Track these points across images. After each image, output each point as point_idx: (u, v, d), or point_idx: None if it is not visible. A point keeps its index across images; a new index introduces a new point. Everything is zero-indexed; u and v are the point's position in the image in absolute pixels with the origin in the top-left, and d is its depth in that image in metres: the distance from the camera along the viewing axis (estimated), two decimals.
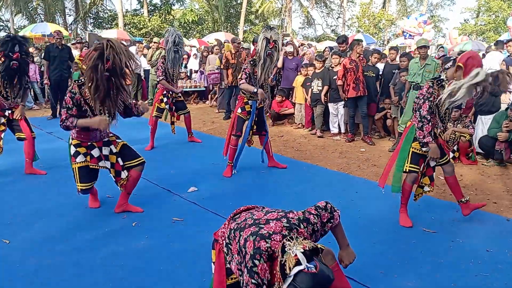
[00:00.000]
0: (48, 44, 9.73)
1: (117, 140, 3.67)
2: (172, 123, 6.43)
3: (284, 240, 1.87)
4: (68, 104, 3.32)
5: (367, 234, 3.46)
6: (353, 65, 6.66)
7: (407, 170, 3.60)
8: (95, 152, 3.57)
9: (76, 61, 11.54)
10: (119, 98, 3.35)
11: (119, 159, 3.61)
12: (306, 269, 1.72)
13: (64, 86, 8.72)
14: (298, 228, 2.00)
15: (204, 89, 11.64)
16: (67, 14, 26.91)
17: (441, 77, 3.42)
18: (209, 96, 11.29)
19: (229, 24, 27.44)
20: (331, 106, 7.29)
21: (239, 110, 4.85)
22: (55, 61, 8.52)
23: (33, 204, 4.04)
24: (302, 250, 1.78)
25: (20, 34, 18.62)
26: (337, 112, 7.26)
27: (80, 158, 3.53)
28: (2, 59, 4.42)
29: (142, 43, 11.25)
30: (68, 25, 26.04)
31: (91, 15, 25.91)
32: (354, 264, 2.45)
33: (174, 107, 6.29)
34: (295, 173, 5.10)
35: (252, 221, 2.04)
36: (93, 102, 3.29)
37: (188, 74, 11.62)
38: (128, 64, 3.17)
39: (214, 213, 3.77)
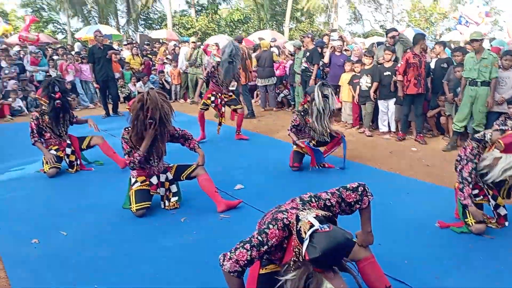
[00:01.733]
0: (90, 46, 10.05)
1: (170, 166, 3.94)
2: (220, 123, 6.58)
3: (297, 211, 2.06)
4: (126, 149, 3.62)
5: (420, 237, 3.32)
6: (416, 59, 6.38)
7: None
8: (154, 180, 3.83)
9: (128, 61, 12.06)
10: (164, 141, 3.69)
11: (172, 187, 3.90)
12: (319, 229, 1.85)
13: (112, 86, 9.05)
14: (310, 203, 2.20)
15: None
16: (120, 16, 28.05)
17: (486, 138, 3.29)
18: (255, 93, 11.34)
19: (275, 22, 27.42)
20: (381, 103, 7.08)
21: (294, 147, 5.06)
22: (100, 62, 8.74)
23: (89, 198, 4.23)
24: (315, 216, 1.95)
25: (76, 36, 19.59)
26: (387, 109, 7.04)
27: (137, 185, 3.78)
28: (47, 101, 4.84)
29: (189, 42, 11.49)
30: (121, 26, 27.12)
31: (142, 17, 26.82)
32: (407, 267, 2.37)
33: (223, 108, 6.43)
34: (343, 172, 5.02)
35: (275, 208, 2.26)
36: (139, 146, 3.64)
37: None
38: (167, 117, 3.50)
39: (260, 210, 3.77)
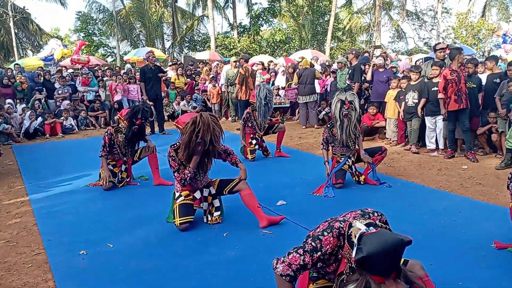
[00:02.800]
0: (142, 66, 10.46)
1: (213, 180, 3.97)
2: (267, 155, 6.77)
3: (352, 220, 2.08)
4: (174, 166, 3.69)
5: (475, 258, 3.12)
6: (454, 75, 6.18)
7: None
8: (197, 194, 3.87)
9: (173, 80, 12.43)
10: (210, 158, 3.76)
11: (215, 201, 3.94)
12: (366, 232, 1.87)
13: (159, 105, 9.34)
14: (371, 215, 2.17)
15: (288, 105, 11.77)
16: (166, 40, 29.18)
17: None
18: (296, 111, 11.33)
19: (316, 41, 27.49)
20: (428, 120, 6.85)
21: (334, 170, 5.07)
22: (150, 81, 9.05)
23: (135, 211, 4.33)
24: (367, 223, 1.98)
25: (125, 58, 20.54)
26: (435, 126, 6.80)
27: (181, 199, 3.83)
28: (126, 123, 5.12)
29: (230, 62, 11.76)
30: (166, 49, 28.16)
31: (186, 39, 27.73)
32: None
33: (264, 144, 6.69)
34: (389, 189, 4.88)
35: (331, 219, 2.26)
36: (187, 163, 3.72)
37: (276, 91, 11.82)
38: (217, 139, 3.57)
39: (302, 227, 3.71)
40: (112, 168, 5.21)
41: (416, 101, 6.94)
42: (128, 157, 5.29)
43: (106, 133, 5.09)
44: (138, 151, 5.37)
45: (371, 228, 1.91)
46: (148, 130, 9.45)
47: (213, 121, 3.53)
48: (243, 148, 6.62)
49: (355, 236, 1.90)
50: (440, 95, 6.31)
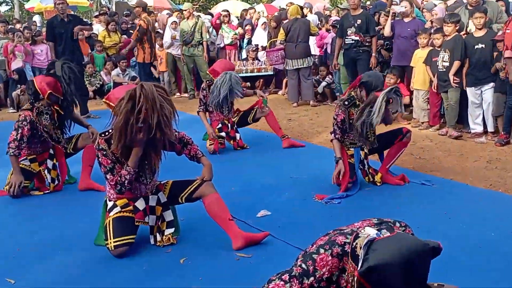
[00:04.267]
0: (51, 18, 10.23)
1: (163, 183, 3.97)
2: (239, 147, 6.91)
3: (360, 230, 2.13)
4: (106, 165, 3.65)
5: None
6: None
7: None
8: (140, 204, 3.84)
9: (100, 39, 12.33)
10: (159, 151, 3.74)
11: (166, 213, 3.94)
12: (377, 237, 1.92)
13: (79, 78, 9.19)
14: (392, 225, 2.22)
15: (271, 73, 11.85)
16: None
17: None
18: (283, 82, 11.39)
19: None
20: (471, 92, 6.99)
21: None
22: (62, 40, 8.93)
23: (50, 230, 4.27)
24: (379, 228, 2.07)
25: (26, 6, 20.04)
26: (481, 100, 6.93)
27: (116, 211, 3.80)
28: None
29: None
30: None
31: None
32: None
33: (237, 134, 6.87)
34: (417, 190, 4.98)
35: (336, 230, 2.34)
36: (125, 159, 3.68)
37: (254, 53, 11.84)
38: (167, 121, 3.52)
39: (294, 246, 3.73)
40: (29, 165, 5.16)
41: (448, 64, 7.10)
42: (56, 147, 5.28)
43: (22, 123, 4.96)
44: (73, 140, 5.37)
45: (384, 231, 1.95)
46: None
47: (161, 95, 3.48)
48: (207, 136, 6.64)
49: (361, 247, 1.94)
50: (507, 53, 6.39)
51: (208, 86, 6.70)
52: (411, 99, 8.16)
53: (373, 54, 8.55)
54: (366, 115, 4.71)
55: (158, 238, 3.89)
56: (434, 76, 7.41)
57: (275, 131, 6.97)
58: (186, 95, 11.81)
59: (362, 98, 4.89)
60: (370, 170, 5.15)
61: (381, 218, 2.31)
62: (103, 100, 4.06)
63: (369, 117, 4.69)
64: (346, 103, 4.96)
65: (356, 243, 2.02)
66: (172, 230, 3.91)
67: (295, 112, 9.45)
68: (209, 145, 6.60)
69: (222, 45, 12.12)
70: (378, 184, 5.10)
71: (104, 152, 3.62)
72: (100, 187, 5.11)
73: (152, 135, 3.53)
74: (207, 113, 6.80)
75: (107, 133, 3.65)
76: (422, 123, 7.85)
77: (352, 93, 5.00)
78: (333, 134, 5.02)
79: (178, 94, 12.04)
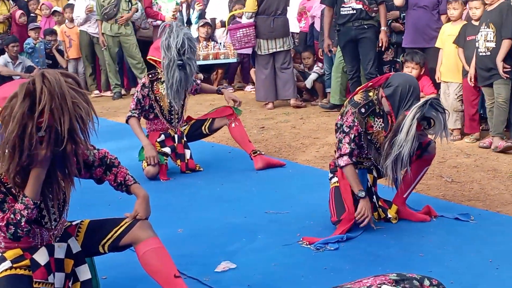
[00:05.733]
0: None
1: (76, 223, 3.92)
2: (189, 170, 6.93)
3: None
4: None
5: None
6: None
7: None
8: (42, 256, 3.74)
9: None
10: (69, 174, 3.60)
11: (80, 269, 3.84)
12: None
13: None
14: (419, 284, 2.32)
15: (235, 60, 11.87)
16: None
17: None
18: (251, 72, 11.44)
19: None
20: None
21: (335, 182, 5.21)
22: None
23: None
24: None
25: None
26: None
27: (4, 267, 3.69)
28: None
29: None
30: None
31: None
32: None
33: (187, 152, 6.91)
34: (449, 229, 5.01)
35: None
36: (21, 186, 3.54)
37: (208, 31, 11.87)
38: (82, 123, 3.40)
39: None
40: None
41: (494, 45, 7.18)
42: None
43: None
44: None
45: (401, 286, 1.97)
46: None
47: (72, 87, 3.42)
48: (143, 156, 6.62)
49: None
50: None
51: (151, 81, 6.67)
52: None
53: (383, 29, 8.60)
54: (398, 148, 4.58)
55: None
56: (470, 63, 7.48)
57: (242, 146, 6.96)
58: (108, 93, 11.75)
59: (383, 107, 4.86)
60: (380, 203, 5.17)
61: (401, 273, 2.32)
62: None
63: (400, 150, 4.57)
64: (363, 110, 4.88)
65: None
66: None
67: (270, 116, 9.45)
68: (148, 166, 6.59)
69: (159, 22, 11.98)
70: (393, 221, 5.12)
71: None
72: None
73: (60, 149, 3.47)
74: (143, 121, 6.79)
75: None
76: (454, 130, 7.90)
77: (371, 94, 4.95)
78: (345, 157, 4.87)
79: (96, 92, 11.96)
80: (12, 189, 3.54)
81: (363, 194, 4.82)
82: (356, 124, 4.82)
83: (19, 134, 3.31)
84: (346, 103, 5.00)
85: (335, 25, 9.01)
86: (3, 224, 3.51)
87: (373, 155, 4.97)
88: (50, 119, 3.31)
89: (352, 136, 4.82)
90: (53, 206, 3.67)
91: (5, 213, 3.50)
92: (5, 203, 3.52)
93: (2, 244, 3.70)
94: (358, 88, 5.17)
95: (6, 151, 3.40)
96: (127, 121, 6.66)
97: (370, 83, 5.02)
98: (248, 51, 10.72)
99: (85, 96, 3.42)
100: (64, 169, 3.57)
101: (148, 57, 7.03)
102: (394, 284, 2.22)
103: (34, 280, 3.68)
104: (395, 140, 4.56)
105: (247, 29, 9.96)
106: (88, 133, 3.44)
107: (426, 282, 2.27)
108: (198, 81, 7.03)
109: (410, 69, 7.75)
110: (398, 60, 8.95)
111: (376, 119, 4.88)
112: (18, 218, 3.50)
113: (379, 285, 2.22)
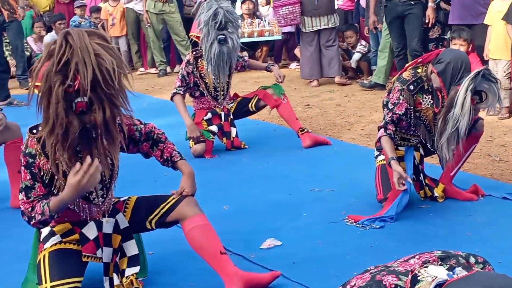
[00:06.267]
0: None
1: (124, 200, 3.93)
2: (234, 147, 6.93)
3: (419, 268, 2.20)
4: (24, 180, 3.50)
5: None
6: None
7: None
8: (90, 230, 3.77)
9: None
10: (114, 146, 3.53)
11: (128, 244, 3.87)
12: (449, 278, 2.02)
13: None
14: (464, 260, 2.29)
15: (280, 37, 11.84)
16: None
17: None
18: (296, 51, 11.40)
19: None
20: None
21: (381, 159, 5.20)
22: None
23: None
24: (449, 266, 2.16)
25: None
26: None
27: (54, 241, 3.74)
28: None
29: None
30: None
31: None
32: None
33: (233, 130, 6.88)
34: (497, 207, 4.96)
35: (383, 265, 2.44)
36: (56, 160, 3.46)
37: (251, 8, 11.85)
38: (110, 76, 3.28)
39: None
40: None
41: None
42: None
43: None
44: None
45: (458, 270, 1.97)
46: None
47: (98, 42, 3.30)
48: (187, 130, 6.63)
49: None
50: None
51: (195, 58, 6.67)
52: None
53: (430, 5, 8.52)
54: (453, 123, 4.55)
55: (116, 281, 3.84)
56: None
57: (289, 123, 6.94)
58: (153, 70, 11.81)
59: (433, 84, 4.80)
60: (426, 181, 5.13)
61: (446, 251, 2.31)
62: (31, 85, 3.86)
63: (456, 125, 4.54)
64: (412, 87, 4.85)
65: None
66: (136, 269, 3.86)
67: (315, 94, 9.45)
68: (194, 144, 6.61)
69: None
70: (440, 200, 5.08)
71: (32, 161, 3.52)
72: None
73: (95, 115, 3.34)
74: (190, 99, 6.78)
75: (36, 129, 3.51)
76: (502, 108, 7.81)
77: (419, 70, 4.90)
78: (382, 130, 4.91)
79: (142, 69, 12.05)
80: (59, 165, 3.47)
81: (389, 160, 4.80)
82: (401, 101, 4.80)
83: (47, 95, 3.27)
84: (394, 79, 4.98)
85: (380, 1, 8.96)
86: (22, 209, 3.53)
87: (422, 132, 4.92)
88: (77, 78, 3.22)
89: (397, 111, 4.81)
90: (99, 181, 3.66)
91: (28, 199, 3.49)
92: (33, 189, 3.51)
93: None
94: (407, 64, 5.13)
95: (46, 121, 3.34)
96: (171, 98, 6.69)
97: (419, 60, 4.96)
98: (291, 29, 10.67)
99: (113, 50, 3.33)
100: (108, 138, 3.48)
101: (190, 34, 7.03)
102: (440, 262, 2.21)
103: (83, 254, 3.73)
104: (449, 115, 4.51)
105: (292, 6, 9.91)
106: (116, 83, 3.30)
107: (472, 260, 2.26)
108: (246, 58, 6.98)
109: (458, 46, 7.67)
110: (445, 37, 8.85)
111: (425, 95, 4.83)
112: (32, 215, 3.51)
113: (425, 265, 2.20)
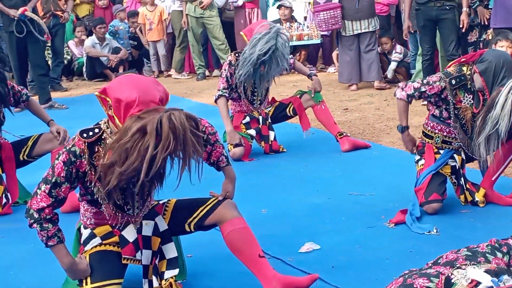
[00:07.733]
0: None
1: (163, 202, 3.95)
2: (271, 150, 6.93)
3: (452, 270, 2.21)
4: (56, 176, 3.50)
5: None
6: None
7: None
8: (130, 233, 3.81)
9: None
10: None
11: (167, 247, 3.88)
12: (494, 286, 2.01)
13: (35, 45, 9.40)
14: (490, 256, 2.32)
15: (319, 41, 11.83)
16: None
17: None
18: (335, 55, 11.39)
19: None
20: None
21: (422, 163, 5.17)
22: None
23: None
24: (486, 269, 2.12)
25: None
26: None
27: (95, 243, 3.79)
28: None
29: None
30: None
31: None
32: None
33: (271, 133, 6.89)
34: None
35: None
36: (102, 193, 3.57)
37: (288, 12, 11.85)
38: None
39: None
40: None
41: None
42: (3, 149, 5.34)
43: None
44: (29, 142, 5.35)
45: (505, 278, 1.95)
46: None
47: (191, 131, 3.31)
48: (226, 136, 6.68)
49: None
50: None
51: (237, 60, 6.57)
52: None
53: (464, 10, 8.42)
54: (492, 124, 4.50)
55: (155, 283, 3.86)
56: None
57: (328, 127, 6.93)
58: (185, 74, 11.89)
59: (475, 84, 4.77)
60: (468, 185, 5.09)
61: (471, 248, 2.36)
62: (97, 93, 3.82)
63: (496, 127, 4.48)
64: (454, 82, 4.83)
65: None
66: (175, 272, 3.87)
67: (354, 98, 9.42)
68: (234, 148, 6.60)
69: (240, 3, 12.08)
70: (481, 205, 5.04)
71: (74, 160, 3.50)
72: None
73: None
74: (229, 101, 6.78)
75: (90, 133, 3.55)
76: None
77: (464, 68, 4.87)
78: (404, 93, 4.90)
79: (175, 73, 12.06)
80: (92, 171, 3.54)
81: (401, 128, 4.98)
82: (436, 85, 4.80)
83: (136, 168, 3.25)
84: (441, 73, 4.98)
85: (416, 5, 8.93)
86: (34, 203, 3.51)
87: (459, 133, 4.90)
88: (162, 158, 3.27)
89: (428, 91, 4.81)
90: (137, 201, 3.72)
91: (49, 197, 3.48)
92: (59, 187, 3.50)
93: (93, 220, 3.79)
94: (451, 62, 5.11)
95: (119, 156, 3.30)
96: (216, 101, 6.67)
97: (463, 59, 4.94)
98: (327, 32, 10.66)
99: (201, 140, 3.42)
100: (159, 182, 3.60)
101: (241, 31, 6.99)
102: (469, 262, 2.23)
103: (123, 256, 3.77)
104: (489, 116, 4.46)
105: (334, 10, 9.88)
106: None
107: (497, 253, 2.26)
108: (292, 61, 6.90)
109: (505, 48, 7.58)
110: (481, 40, 8.79)
111: (466, 94, 4.81)
112: (37, 218, 3.51)
113: (458, 266, 2.21)
